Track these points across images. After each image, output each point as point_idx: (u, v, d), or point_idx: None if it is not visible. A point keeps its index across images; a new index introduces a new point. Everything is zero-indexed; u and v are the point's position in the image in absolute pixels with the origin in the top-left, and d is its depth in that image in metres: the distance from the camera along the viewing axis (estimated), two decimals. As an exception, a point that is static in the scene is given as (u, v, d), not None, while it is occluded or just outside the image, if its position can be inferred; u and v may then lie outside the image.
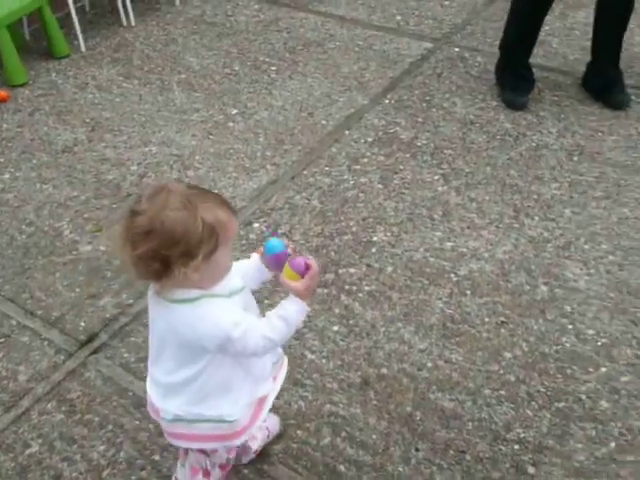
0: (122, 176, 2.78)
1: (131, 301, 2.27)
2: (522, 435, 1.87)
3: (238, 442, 1.58)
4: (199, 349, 1.41)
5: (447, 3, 3.90)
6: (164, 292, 1.39)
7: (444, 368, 2.04)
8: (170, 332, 1.42)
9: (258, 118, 3.07)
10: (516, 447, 1.85)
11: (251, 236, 2.49)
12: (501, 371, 2.03)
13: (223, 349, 1.40)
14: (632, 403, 1.94)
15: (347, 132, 2.96)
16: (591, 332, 2.12)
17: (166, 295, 1.39)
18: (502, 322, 2.16)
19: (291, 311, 1.45)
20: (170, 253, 1.30)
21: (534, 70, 3.19)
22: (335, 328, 2.16)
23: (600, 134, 2.91)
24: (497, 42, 3.50)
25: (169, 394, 1.51)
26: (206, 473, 1.65)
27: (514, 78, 3.12)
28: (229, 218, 1.35)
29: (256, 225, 2.53)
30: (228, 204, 1.39)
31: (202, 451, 1.61)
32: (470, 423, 1.90)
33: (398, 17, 3.78)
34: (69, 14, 3.63)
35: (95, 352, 2.12)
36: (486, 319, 2.17)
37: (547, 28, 3.54)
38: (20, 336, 2.18)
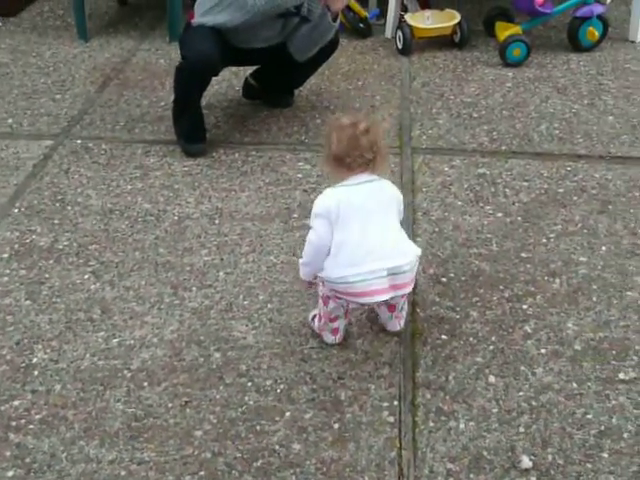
0: None
1: None
2: (230, 509, 1.87)
3: None
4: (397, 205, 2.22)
5: (59, 97, 3.84)
6: (369, 178, 2.16)
7: (139, 471, 1.95)
8: (388, 199, 2.18)
9: None
10: (227, 523, 1.84)
11: None
12: (196, 452, 2.01)
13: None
14: (319, 436, 2.06)
15: (-22, 254, 2.72)
16: (269, 382, 2.22)
17: (371, 179, 2.16)
18: (186, 402, 2.15)
19: None
20: (379, 145, 2.13)
21: (159, 147, 3.31)
22: (10, 474, 1.94)
23: (233, 193, 3.09)
24: (117, 127, 3.57)
25: (399, 248, 2.14)
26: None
27: (189, 128, 3.39)
28: None
29: None
30: None
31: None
32: (178, 518, 1.85)
33: (10, 120, 3.61)
34: None
35: None
36: (169, 405, 2.14)
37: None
38: None
